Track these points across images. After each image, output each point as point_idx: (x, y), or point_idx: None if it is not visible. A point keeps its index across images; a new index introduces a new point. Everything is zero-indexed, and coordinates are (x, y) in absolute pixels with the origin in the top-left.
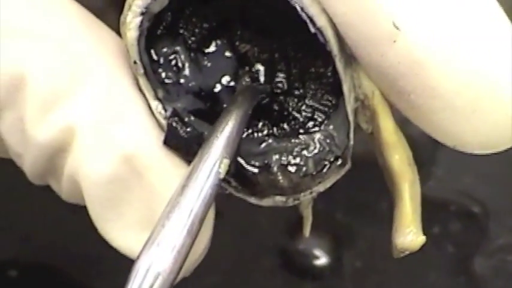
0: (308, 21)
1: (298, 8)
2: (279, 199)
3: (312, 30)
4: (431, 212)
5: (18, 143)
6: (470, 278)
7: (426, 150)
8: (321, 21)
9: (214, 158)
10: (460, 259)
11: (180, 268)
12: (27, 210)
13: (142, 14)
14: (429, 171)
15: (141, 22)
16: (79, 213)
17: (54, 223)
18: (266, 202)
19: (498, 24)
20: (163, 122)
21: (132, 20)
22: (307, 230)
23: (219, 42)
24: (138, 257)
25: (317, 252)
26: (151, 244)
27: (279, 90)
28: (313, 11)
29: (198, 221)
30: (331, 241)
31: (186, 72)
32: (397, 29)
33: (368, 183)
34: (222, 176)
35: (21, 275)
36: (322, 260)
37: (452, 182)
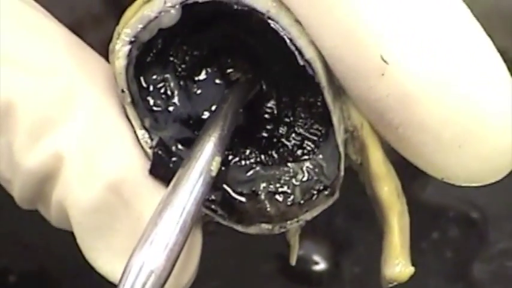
0: (296, 53)
1: (287, 40)
2: (265, 227)
3: (301, 62)
4: (430, 218)
5: (7, 168)
6: (469, 283)
7: None
8: (309, 53)
9: (206, 156)
10: (459, 264)
11: (173, 266)
12: (26, 218)
13: (131, 42)
14: (428, 177)
15: (130, 51)
16: None
17: (52, 230)
18: (252, 230)
19: (486, 60)
20: (150, 151)
21: (120, 49)
22: (293, 259)
23: (209, 70)
24: (131, 256)
25: (316, 257)
26: (143, 242)
27: (268, 116)
28: (302, 43)
29: (190, 218)
30: (330, 247)
31: (175, 100)
32: (385, 62)
33: None
34: (214, 174)
35: (20, 280)
36: (321, 265)
37: (451, 188)
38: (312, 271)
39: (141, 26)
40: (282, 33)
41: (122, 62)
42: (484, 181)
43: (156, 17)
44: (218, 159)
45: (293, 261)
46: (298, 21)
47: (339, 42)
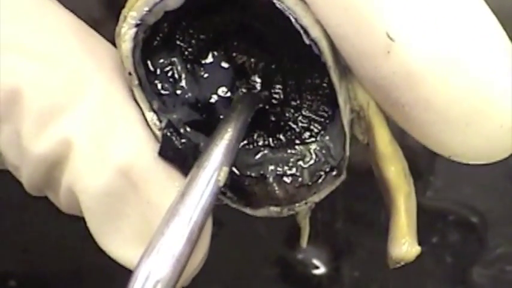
0: (302, 32)
1: (292, 19)
2: (274, 209)
3: (306, 41)
4: (430, 222)
5: (16, 155)
6: (469, 287)
7: (424, 160)
8: (315, 32)
9: (214, 166)
10: (459, 269)
11: (179, 276)
12: (26, 222)
13: (137, 25)
14: (427, 181)
15: (136, 34)
16: (76, 224)
17: (52, 235)
18: (261, 213)
19: (494, 38)
20: (159, 134)
21: (126, 32)
22: (304, 241)
23: (215, 53)
24: (137, 265)
25: (316, 261)
26: (150, 252)
27: (275, 101)
28: (307, 22)
29: (197, 229)
30: (330, 251)
31: (183, 83)
32: (392, 40)
33: (367, 193)
34: (221, 184)
35: (20, 285)
36: (321, 269)
37: (450, 192)
38: (311, 275)
39: (146, 8)
40: (287, 13)
41: (129, 45)
42: (490, 159)
43: (161, 0)
44: (226, 169)
45: (304, 244)
46: (303, 1)
47: (343, 20)
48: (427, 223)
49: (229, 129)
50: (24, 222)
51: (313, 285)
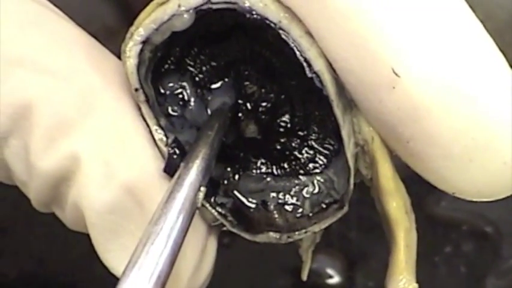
0: (305, 64)
1: (297, 51)
2: (273, 235)
3: (309, 74)
4: (444, 232)
5: (23, 171)
6: None
7: None
8: (318, 66)
9: (192, 187)
10: (473, 279)
11: None
12: (22, 217)
13: (142, 42)
14: (441, 191)
15: (141, 51)
16: (83, 237)
17: (48, 231)
18: (260, 238)
19: (499, 75)
20: (165, 149)
21: (132, 48)
22: (305, 274)
23: (226, 80)
24: (119, 282)
25: (330, 271)
26: (131, 269)
27: (282, 129)
28: (311, 54)
29: (176, 247)
30: (344, 260)
31: (192, 107)
32: (397, 75)
33: None
34: (199, 204)
35: (19, 278)
36: (335, 279)
37: (464, 202)
38: (325, 285)
39: (154, 26)
40: (291, 45)
41: (133, 61)
42: (494, 196)
43: (169, 19)
44: (204, 189)
45: (304, 277)
46: (309, 33)
47: (350, 55)
48: (441, 233)
49: (207, 149)
50: (21, 218)
51: None
